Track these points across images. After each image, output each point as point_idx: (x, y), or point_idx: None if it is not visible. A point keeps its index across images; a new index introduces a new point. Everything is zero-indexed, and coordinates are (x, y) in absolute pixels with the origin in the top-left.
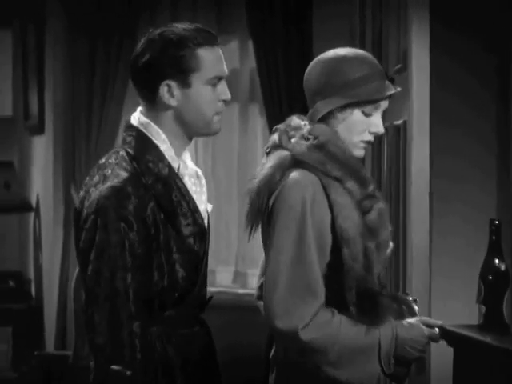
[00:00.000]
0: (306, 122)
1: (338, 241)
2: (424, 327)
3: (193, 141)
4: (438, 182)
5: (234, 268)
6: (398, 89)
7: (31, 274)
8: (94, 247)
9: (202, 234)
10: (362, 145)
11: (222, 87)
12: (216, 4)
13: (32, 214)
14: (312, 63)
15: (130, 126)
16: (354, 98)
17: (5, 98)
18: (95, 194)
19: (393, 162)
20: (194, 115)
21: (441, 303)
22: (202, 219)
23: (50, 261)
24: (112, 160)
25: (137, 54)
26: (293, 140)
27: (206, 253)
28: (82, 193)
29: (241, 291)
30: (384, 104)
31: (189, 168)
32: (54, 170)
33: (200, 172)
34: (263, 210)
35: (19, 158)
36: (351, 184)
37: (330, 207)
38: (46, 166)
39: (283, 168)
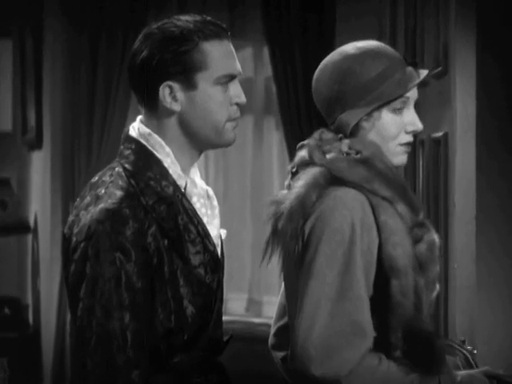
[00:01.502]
0: (342, 135)
1: (384, 271)
2: (487, 381)
3: (203, 157)
4: (485, 204)
5: (247, 295)
6: (425, 72)
7: (29, 300)
8: (85, 282)
9: (215, 263)
10: (402, 149)
11: (235, 88)
12: (229, 6)
13: (30, 236)
14: (319, 69)
15: (129, 138)
16: (376, 102)
17: (4, 112)
18: (86, 217)
19: (430, 181)
20: (202, 122)
21: (487, 347)
22: (214, 246)
23: (49, 285)
24: (106, 178)
25: (134, 52)
26: (328, 156)
27: (220, 286)
28: (71, 217)
29: (255, 320)
30: (413, 95)
31: (198, 187)
32: (51, 188)
33: (211, 191)
34: (297, 237)
35: (17, 175)
36: (402, 207)
37: (378, 231)
38: (43, 183)
39: (319, 186)
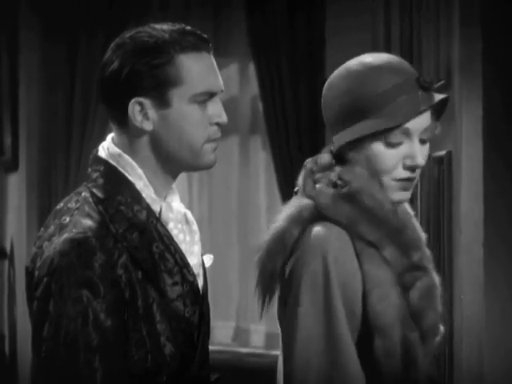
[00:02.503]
0: (335, 162)
1: (368, 326)
2: None
3: (186, 179)
4: (494, 229)
5: (234, 324)
6: (439, 97)
7: (5, 329)
8: (48, 321)
9: (195, 295)
10: (397, 185)
11: (215, 106)
12: (213, 20)
13: (6, 262)
14: (326, 83)
15: (97, 159)
16: (364, 130)
17: None
18: (49, 249)
19: (431, 204)
20: (177, 144)
21: None
22: (194, 276)
23: (26, 314)
24: (72, 204)
25: (104, 63)
26: (318, 186)
27: (203, 320)
28: (34, 248)
29: (242, 350)
30: (418, 125)
31: (174, 211)
32: (27, 212)
33: (190, 215)
34: (277, 276)
35: None
36: (391, 251)
37: (363, 280)
38: (19, 206)
39: (303, 221)
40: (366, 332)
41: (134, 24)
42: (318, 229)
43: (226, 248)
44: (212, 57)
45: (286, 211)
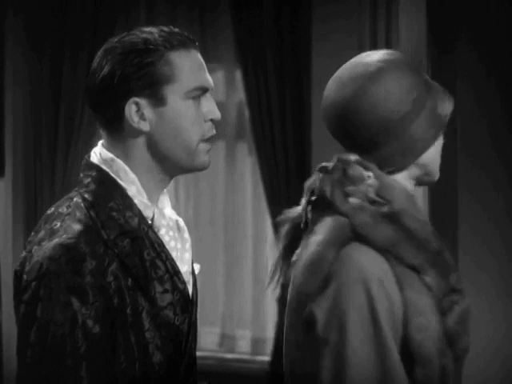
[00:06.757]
0: (371, 174)
1: (408, 352)
2: None
3: (173, 185)
4: (469, 228)
5: (220, 329)
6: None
7: None
8: (35, 326)
9: (185, 302)
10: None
11: (208, 103)
12: (199, 26)
13: None
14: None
15: (89, 165)
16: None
17: None
18: (38, 254)
19: None
20: (173, 143)
21: None
22: (185, 284)
23: (12, 322)
24: (63, 209)
25: (93, 70)
26: (351, 200)
27: (192, 328)
28: (23, 252)
29: (228, 356)
30: None
31: (166, 217)
32: (13, 219)
33: (182, 223)
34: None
35: None
36: (432, 276)
37: (404, 306)
38: (5, 213)
39: (339, 244)
40: (405, 358)
41: (121, 28)
42: (355, 256)
43: (211, 254)
44: (199, 55)
45: (322, 233)
